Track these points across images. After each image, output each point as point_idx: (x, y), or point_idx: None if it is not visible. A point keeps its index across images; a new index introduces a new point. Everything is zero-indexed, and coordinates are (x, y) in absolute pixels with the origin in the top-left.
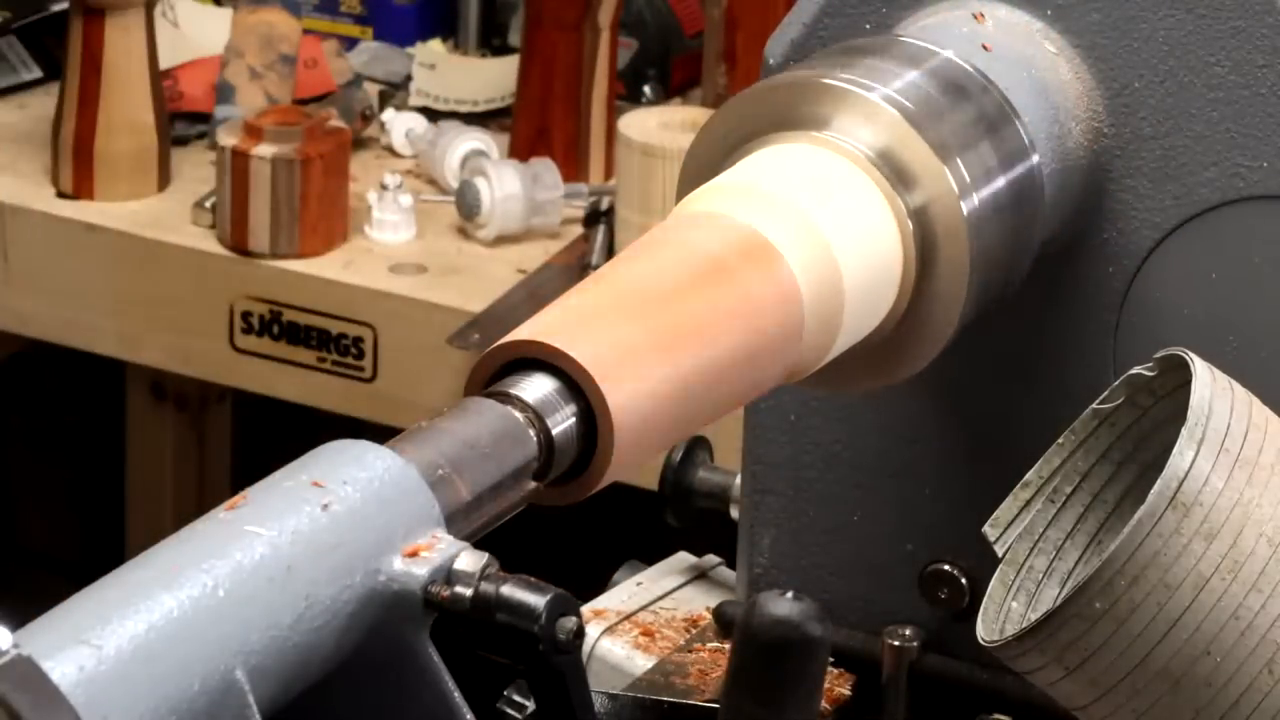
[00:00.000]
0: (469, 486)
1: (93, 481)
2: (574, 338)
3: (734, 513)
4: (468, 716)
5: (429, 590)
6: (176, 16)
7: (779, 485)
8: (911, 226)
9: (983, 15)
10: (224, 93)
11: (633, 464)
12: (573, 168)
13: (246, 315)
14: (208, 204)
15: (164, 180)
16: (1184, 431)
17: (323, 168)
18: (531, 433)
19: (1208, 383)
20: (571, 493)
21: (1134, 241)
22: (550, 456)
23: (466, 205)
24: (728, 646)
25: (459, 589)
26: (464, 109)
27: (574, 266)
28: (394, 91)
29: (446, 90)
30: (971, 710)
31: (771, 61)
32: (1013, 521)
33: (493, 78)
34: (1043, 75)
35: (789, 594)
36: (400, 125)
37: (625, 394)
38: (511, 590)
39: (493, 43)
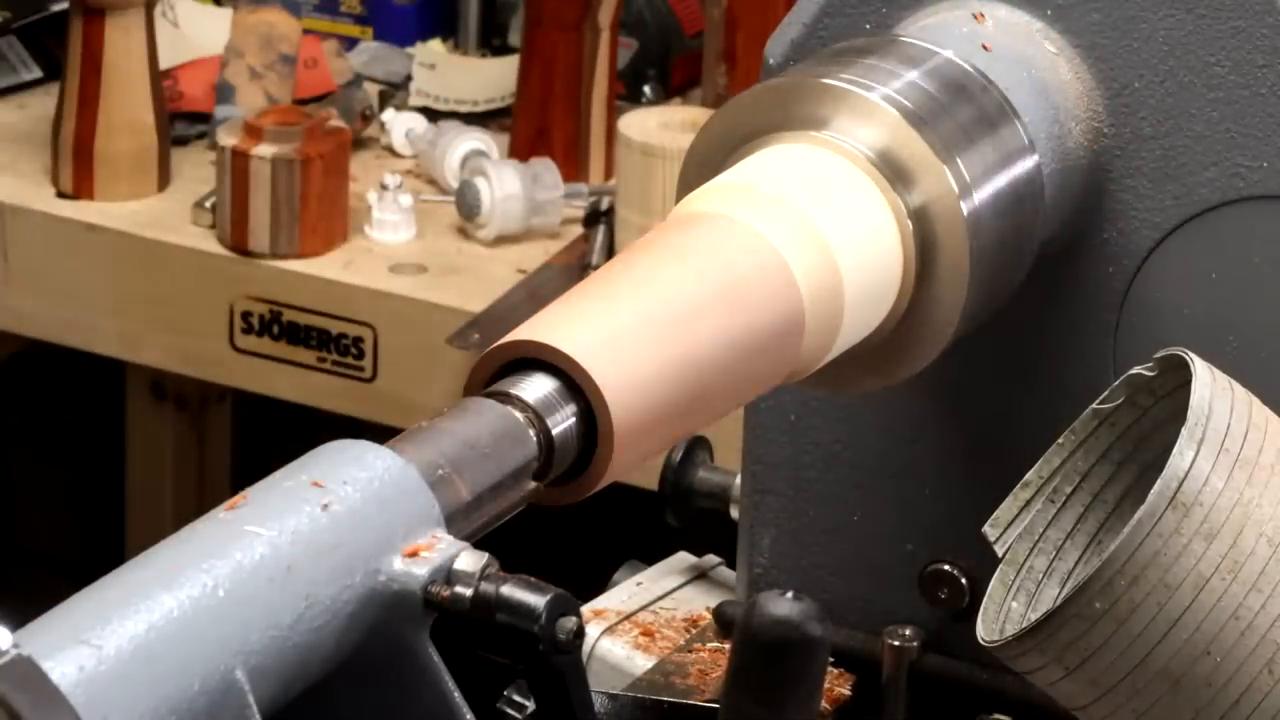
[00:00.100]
0: (469, 486)
1: (93, 481)
2: (574, 338)
3: (734, 513)
4: (468, 716)
5: (429, 590)
6: (176, 16)
7: (779, 485)
8: (911, 226)
9: (983, 15)
10: (224, 93)
11: (633, 464)
12: (573, 168)
13: (246, 315)
14: (208, 204)
15: (164, 180)
16: (1184, 431)
17: (323, 168)
18: (531, 433)
19: (1208, 383)
20: (571, 493)
21: (1134, 241)
22: (550, 456)
23: (466, 205)
24: (728, 646)
25: (459, 589)
26: (464, 109)
27: (574, 266)
28: (394, 91)
29: (446, 90)
30: (971, 710)
31: (771, 61)
32: (1013, 521)
33: (493, 78)
34: (1043, 75)
35: (789, 594)
36: (400, 125)
37: (625, 394)
38: (511, 590)
39: (493, 43)
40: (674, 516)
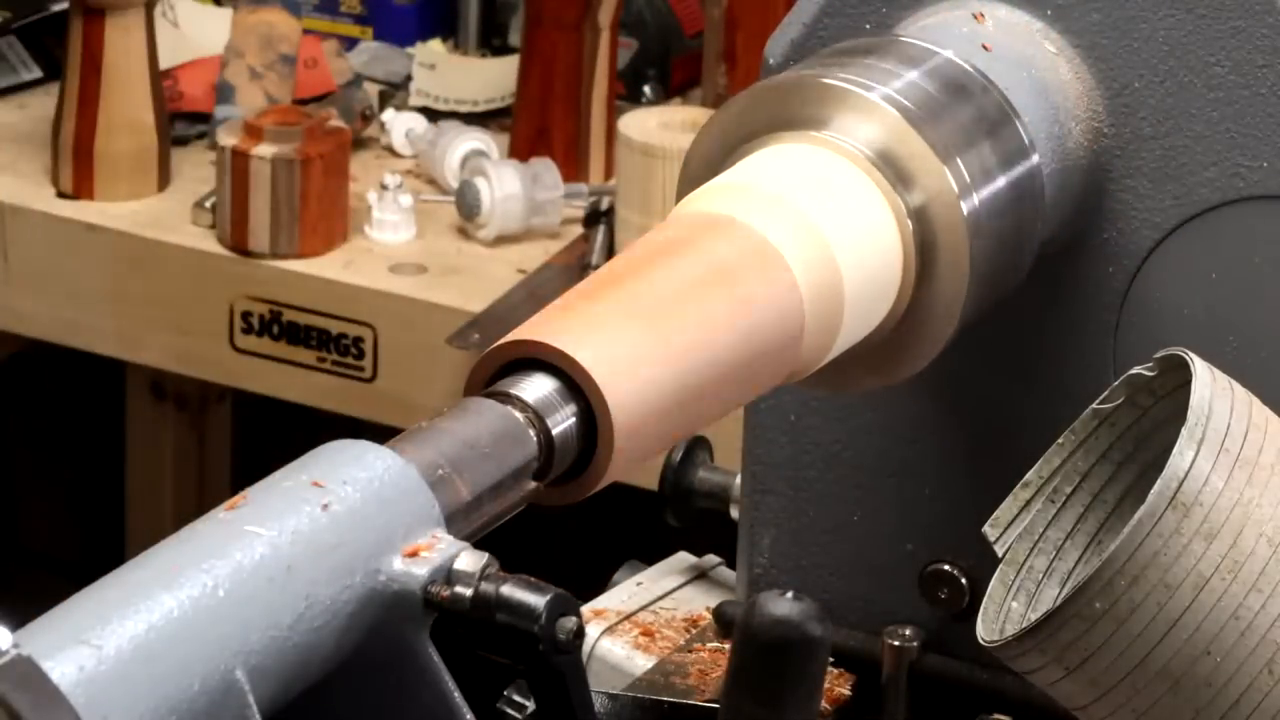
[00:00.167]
0: (469, 486)
1: (93, 481)
2: (574, 338)
3: (734, 513)
4: (468, 716)
5: (429, 590)
6: (176, 16)
7: (779, 485)
8: (911, 226)
9: (983, 15)
10: (224, 93)
11: (633, 464)
12: (573, 168)
13: (246, 315)
14: (208, 204)
15: (164, 180)
16: (1184, 431)
17: (323, 168)
18: (531, 433)
19: (1208, 383)
20: (571, 493)
21: (1134, 241)
22: (550, 456)
23: (466, 205)
24: (728, 646)
25: (459, 589)
26: (464, 109)
27: (574, 266)
28: (394, 91)
29: (446, 90)
30: (971, 710)
31: (771, 61)
32: (1013, 521)
33: (493, 78)
34: (1043, 75)
35: (789, 594)
36: (400, 125)
37: (625, 394)
38: (511, 590)
39: (493, 43)
40: (674, 516)
